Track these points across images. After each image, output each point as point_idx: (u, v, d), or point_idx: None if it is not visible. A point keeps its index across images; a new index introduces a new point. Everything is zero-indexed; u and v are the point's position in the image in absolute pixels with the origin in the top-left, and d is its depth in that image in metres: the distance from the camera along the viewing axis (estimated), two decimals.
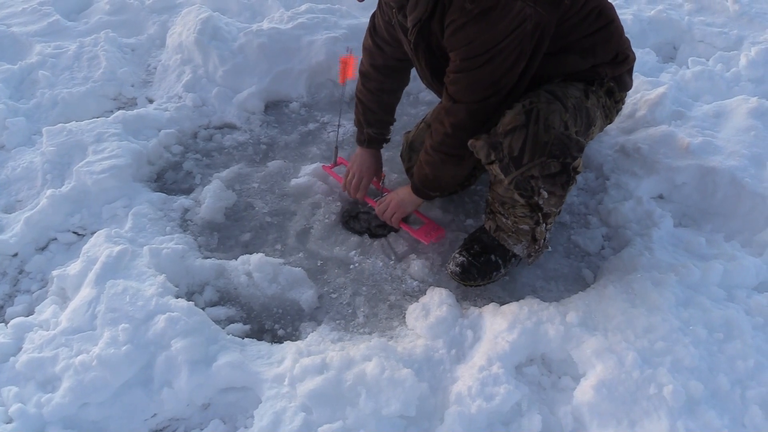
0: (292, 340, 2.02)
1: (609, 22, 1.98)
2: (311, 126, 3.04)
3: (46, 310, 2.07)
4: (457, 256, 2.17)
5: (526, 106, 1.78)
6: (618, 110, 2.19)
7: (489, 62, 1.76)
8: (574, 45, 1.91)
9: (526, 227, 2.01)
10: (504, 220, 2.06)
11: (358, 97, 2.43)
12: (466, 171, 2.12)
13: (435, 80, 2.08)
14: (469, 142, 1.91)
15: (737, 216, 2.30)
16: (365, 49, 2.37)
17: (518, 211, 1.99)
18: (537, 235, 2.02)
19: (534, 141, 1.76)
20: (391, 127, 2.49)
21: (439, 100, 2.18)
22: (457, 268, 2.14)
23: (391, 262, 2.29)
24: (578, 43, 1.92)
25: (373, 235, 2.42)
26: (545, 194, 1.89)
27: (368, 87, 2.38)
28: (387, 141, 2.50)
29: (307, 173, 2.68)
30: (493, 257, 2.14)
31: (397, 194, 2.29)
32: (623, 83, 2.11)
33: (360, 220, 2.51)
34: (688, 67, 3.17)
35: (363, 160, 2.45)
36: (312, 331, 2.04)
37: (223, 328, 2.03)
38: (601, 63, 1.98)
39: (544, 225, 2.00)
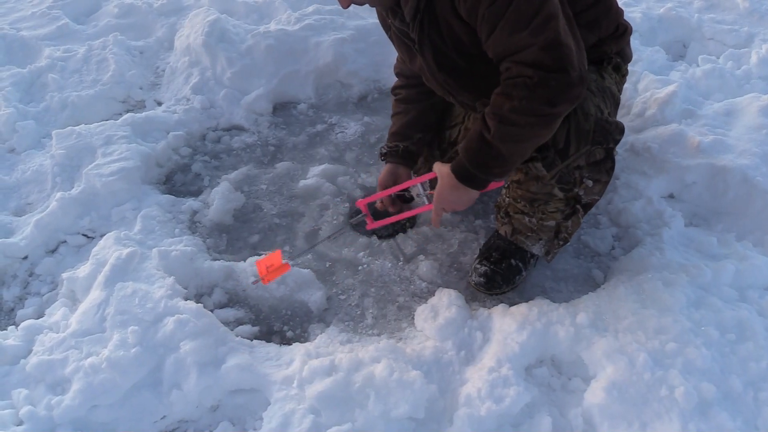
0: (301, 342, 2.02)
1: None
2: (319, 127, 3.04)
3: (56, 313, 2.09)
4: (478, 266, 2.14)
5: None
6: (623, 83, 2.12)
7: None
8: (579, 18, 1.78)
9: (552, 223, 1.98)
10: (526, 220, 2.02)
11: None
12: (549, 137, 1.68)
13: (445, 75, 1.87)
14: None
15: (749, 215, 2.28)
16: (394, 66, 2.31)
17: (550, 207, 1.94)
18: (561, 229, 2.00)
19: (577, 130, 1.71)
20: (405, 141, 2.19)
21: (449, 102, 2.11)
22: (481, 279, 2.11)
23: (400, 263, 2.29)
24: (583, 16, 1.80)
25: (382, 237, 2.41)
26: (590, 183, 1.84)
27: (392, 101, 2.28)
28: (398, 154, 2.18)
29: (315, 174, 2.68)
30: (513, 262, 2.12)
31: (442, 196, 1.84)
32: (626, 55, 2.04)
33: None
34: (698, 65, 3.14)
35: (381, 178, 2.21)
36: (321, 333, 2.03)
37: (232, 330, 2.03)
38: (605, 37, 1.90)
39: (581, 215, 1.95)
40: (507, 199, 2.04)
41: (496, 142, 1.62)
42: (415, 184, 2.04)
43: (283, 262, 1.88)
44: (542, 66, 1.51)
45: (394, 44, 2.06)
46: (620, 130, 1.80)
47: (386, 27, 2.01)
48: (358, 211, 2.54)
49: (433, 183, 1.94)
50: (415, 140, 2.21)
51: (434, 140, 2.32)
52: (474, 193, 1.78)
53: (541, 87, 1.52)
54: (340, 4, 1.69)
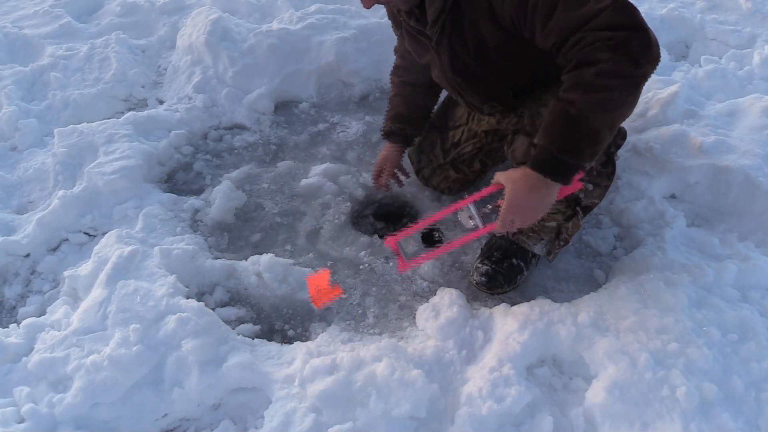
0: (302, 341, 2.02)
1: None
2: (321, 126, 3.04)
3: (57, 311, 2.09)
4: (480, 266, 2.14)
5: None
6: None
7: None
8: None
9: (553, 224, 1.98)
10: None
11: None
12: (635, 106, 1.54)
13: (458, 77, 1.86)
14: (507, 145, 1.76)
15: (751, 216, 2.28)
16: (395, 49, 2.32)
17: (552, 207, 1.95)
18: (562, 230, 1.99)
19: None
20: (412, 126, 2.31)
21: (457, 101, 2.09)
22: (483, 278, 2.11)
23: None
24: None
25: (384, 237, 2.41)
26: (590, 186, 1.84)
27: (393, 80, 2.32)
28: (407, 137, 2.33)
29: (317, 174, 2.68)
30: (515, 261, 2.12)
31: (517, 202, 1.61)
32: None
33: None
34: (700, 66, 3.14)
35: (384, 152, 2.37)
36: (322, 332, 2.03)
37: (234, 329, 2.04)
38: None
39: (580, 217, 1.94)
40: None
41: (586, 113, 1.46)
42: (466, 205, 1.75)
43: (331, 285, 1.79)
44: (620, 26, 1.43)
45: (405, 39, 2.03)
46: (622, 135, 1.79)
47: (397, 24, 2.00)
48: (360, 211, 2.55)
49: (479, 202, 1.76)
50: (420, 127, 2.31)
51: (437, 140, 2.32)
52: (555, 193, 1.58)
53: (623, 46, 1.42)
54: (362, 5, 1.66)
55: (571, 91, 1.48)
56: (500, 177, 1.65)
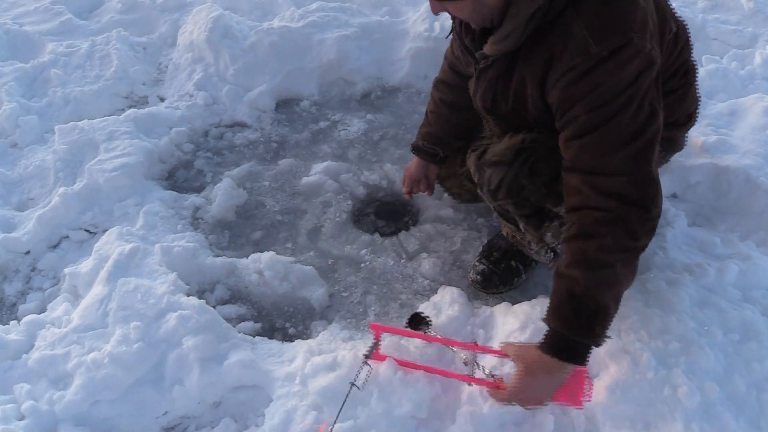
0: (303, 339, 2.02)
1: (690, 83, 1.79)
2: (322, 124, 3.03)
3: (58, 308, 2.09)
4: (477, 264, 2.14)
5: (525, 142, 1.64)
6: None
7: (625, 107, 1.39)
8: None
9: (530, 236, 1.97)
10: (519, 237, 2.04)
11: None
12: (634, 279, 1.51)
13: (486, 107, 1.75)
14: (467, 156, 1.76)
15: (752, 215, 2.28)
16: (445, 55, 2.13)
17: (529, 238, 1.96)
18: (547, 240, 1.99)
19: (511, 182, 1.66)
20: (441, 146, 2.13)
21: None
22: (478, 277, 2.11)
23: (402, 261, 2.28)
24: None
25: (384, 234, 2.41)
26: (522, 225, 1.87)
27: (433, 93, 2.15)
28: (434, 156, 2.14)
29: (318, 172, 2.67)
30: (513, 263, 2.11)
31: (531, 386, 1.52)
32: (674, 144, 1.92)
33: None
34: (702, 65, 3.13)
35: (410, 165, 2.24)
36: (323, 330, 2.03)
37: (234, 327, 2.04)
38: (668, 123, 1.65)
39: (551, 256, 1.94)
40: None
41: (593, 291, 1.43)
42: (470, 351, 1.75)
43: None
44: (627, 200, 1.41)
45: (455, 44, 1.91)
46: (557, 202, 1.72)
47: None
48: (361, 209, 2.54)
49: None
50: (455, 148, 2.12)
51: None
52: (567, 374, 1.50)
53: (622, 221, 1.42)
54: (431, 9, 1.54)
55: (573, 267, 1.45)
56: (510, 352, 1.58)
